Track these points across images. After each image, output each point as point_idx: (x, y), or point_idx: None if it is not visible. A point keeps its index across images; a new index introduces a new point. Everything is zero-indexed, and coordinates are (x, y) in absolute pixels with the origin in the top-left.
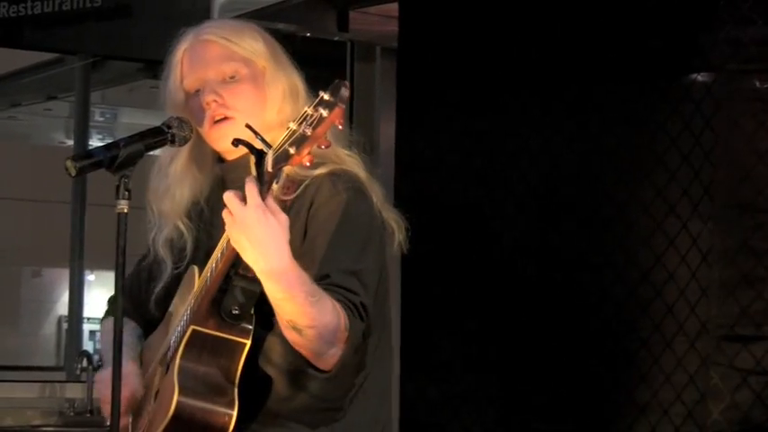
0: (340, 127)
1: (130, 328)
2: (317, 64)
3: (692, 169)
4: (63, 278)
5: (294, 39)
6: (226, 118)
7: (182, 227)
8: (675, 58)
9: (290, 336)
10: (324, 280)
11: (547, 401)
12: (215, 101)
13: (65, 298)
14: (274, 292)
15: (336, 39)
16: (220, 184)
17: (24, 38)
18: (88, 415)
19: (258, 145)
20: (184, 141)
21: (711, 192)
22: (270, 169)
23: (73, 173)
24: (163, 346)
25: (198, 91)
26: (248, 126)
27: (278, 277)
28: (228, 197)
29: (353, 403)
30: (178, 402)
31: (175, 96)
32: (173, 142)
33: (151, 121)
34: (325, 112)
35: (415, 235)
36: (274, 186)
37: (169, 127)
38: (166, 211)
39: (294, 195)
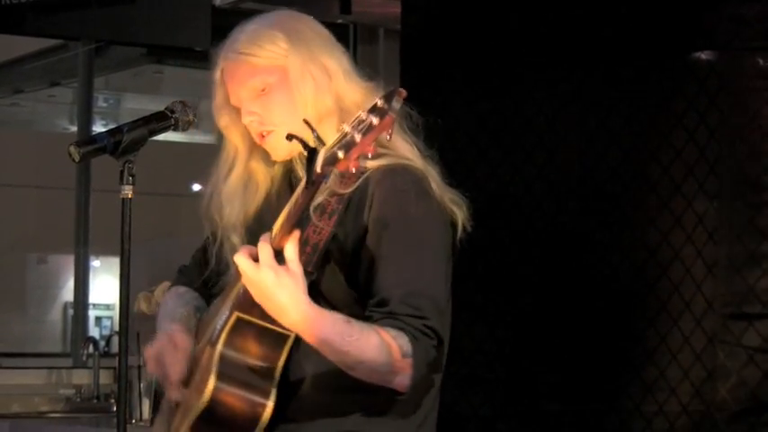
0: (388, 137)
1: (191, 298)
2: None
3: (697, 147)
4: (68, 265)
5: None
6: (268, 133)
7: (235, 242)
8: (680, 37)
9: (347, 372)
10: (383, 307)
11: (554, 381)
12: (252, 121)
13: (70, 284)
14: (309, 341)
15: (339, 21)
16: (288, 174)
17: (27, 24)
18: (95, 401)
19: (312, 142)
20: (188, 126)
21: (717, 170)
22: (318, 170)
23: (76, 159)
24: (212, 324)
25: (239, 109)
26: (305, 121)
27: (304, 329)
28: (240, 260)
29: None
30: (214, 388)
31: (228, 113)
32: (176, 127)
33: (155, 106)
34: (375, 120)
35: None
36: (323, 185)
37: (173, 112)
38: (234, 230)
39: (353, 188)
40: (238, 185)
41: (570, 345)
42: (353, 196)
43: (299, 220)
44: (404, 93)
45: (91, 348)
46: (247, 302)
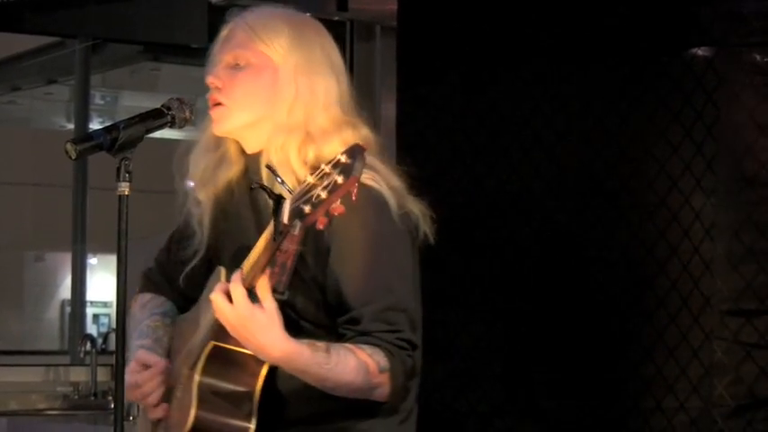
0: (353, 197)
1: (156, 305)
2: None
3: (694, 144)
4: (66, 262)
5: None
6: (220, 104)
7: (204, 202)
8: (676, 33)
9: (327, 392)
10: (356, 325)
11: (552, 378)
12: (214, 83)
13: (68, 282)
14: (288, 371)
15: (336, 18)
16: (245, 173)
17: (24, 21)
18: (92, 398)
19: (276, 189)
20: (185, 123)
21: (714, 166)
22: (285, 221)
23: (73, 156)
24: (191, 339)
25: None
26: (268, 166)
27: (285, 363)
28: (215, 299)
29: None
30: (196, 417)
31: (209, 66)
32: (173, 124)
33: (152, 103)
34: (340, 179)
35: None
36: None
37: (169, 109)
38: (202, 189)
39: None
40: (212, 152)
41: (568, 341)
42: None
43: (269, 262)
44: (365, 149)
45: (88, 346)
46: (222, 332)
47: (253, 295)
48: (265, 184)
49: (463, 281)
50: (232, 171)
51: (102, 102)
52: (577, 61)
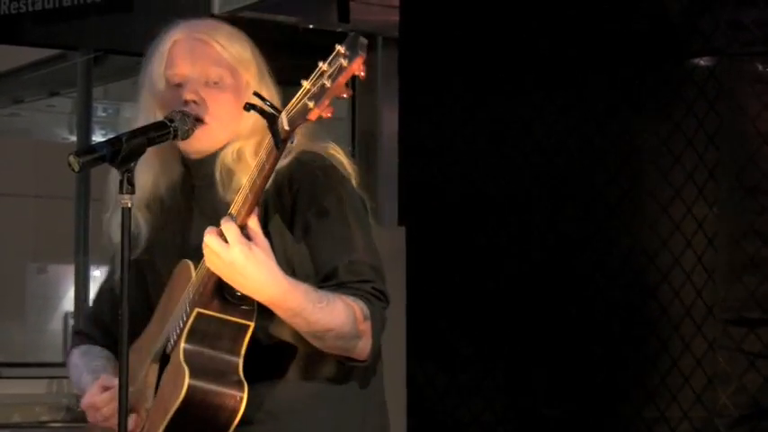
0: (362, 75)
1: (96, 352)
2: (319, 55)
3: (696, 153)
4: (68, 274)
5: (295, 30)
6: (202, 121)
7: (139, 217)
8: (677, 43)
9: (314, 343)
10: (331, 280)
11: (555, 387)
12: (194, 101)
13: (71, 294)
14: (282, 313)
15: (338, 30)
16: (186, 180)
17: (26, 34)
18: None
19: (268, 109)
20: (187, 135)
21: (716, 175)
22: (287, 127)
23: (77, 168)
24: (155, 342)
25: (179, 85)
26: (255, 94)
27: (281, 301)
28: (210, 241)
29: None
30: (189, 385)
31: (155, 82)
32: (175, 136)
33: None
34: (345, 62)
35: (419, 222)
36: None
37: (171, 120)
38: (143, 206)
39: (265, 188)
40: (155, 159)
41: (570, 351)
42: (270, 196)
43: (260, 195)
44: (363, 39)
45: None
46: (206, 297)
47: (244, 233)
48: (217, 179)
49: (465, 289)
50: (169, 178)
51: (104, 114)
52: (579, 70)
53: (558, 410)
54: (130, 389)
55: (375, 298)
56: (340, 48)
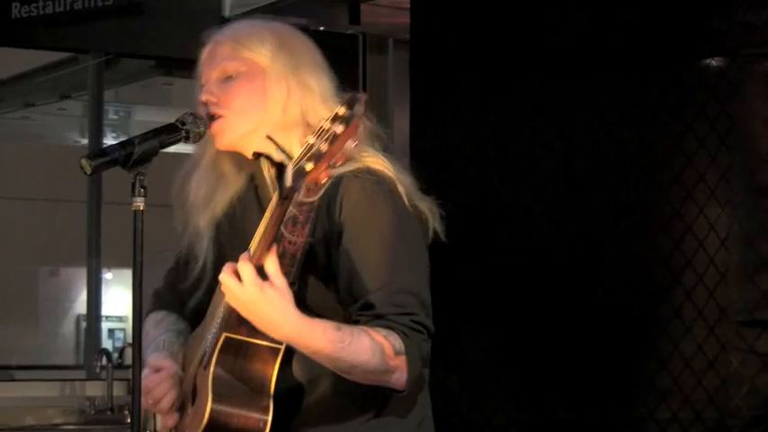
0: (355, 143)
1: (170, 322)
2: (330, 57)
3: (708, 154)
4: (80, 277)
5: (306, 32)
6: (218, 115)
7: (202, 229)
8: (689, 44)
9: (344, 376)
10: (369, 310)
11: (568, 390)
12: (209, 99)
13: (83, 297)
14: (302, 350)
15: (349, 32)
16: (252, 182)
17: (37, 38)
18: (109, 413)
19: (278, 157)
20: (199, 138)
21: (728, 176)
22: (289, 183)
23: (88, 171)
24: (202, 346)
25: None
26: (269, 137)
27: (297, 341)
28: (224, 279)
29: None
30: (212, 410)
31: (197, 87)
32: (187, 139)
33: (165, 117)
34: (339, 128)
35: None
36: (295, 198)
37: (183, 123)
38: (202, 215)
39: (318, 196)
40: (210, 174)
41: (583, 353)
42: (322, 202)
43: (276, 235)
44: (364, 96)
45: (104, 360)
46: (234, 321)
47: (262, 274)
48: (267, 180)
49: (477, 292)
50: (232, 190)
51: (115, 117)
52: (590, 72)
53: (571, 413)
54: (183, 383)
55: (413, 331)
56: (338, 109)
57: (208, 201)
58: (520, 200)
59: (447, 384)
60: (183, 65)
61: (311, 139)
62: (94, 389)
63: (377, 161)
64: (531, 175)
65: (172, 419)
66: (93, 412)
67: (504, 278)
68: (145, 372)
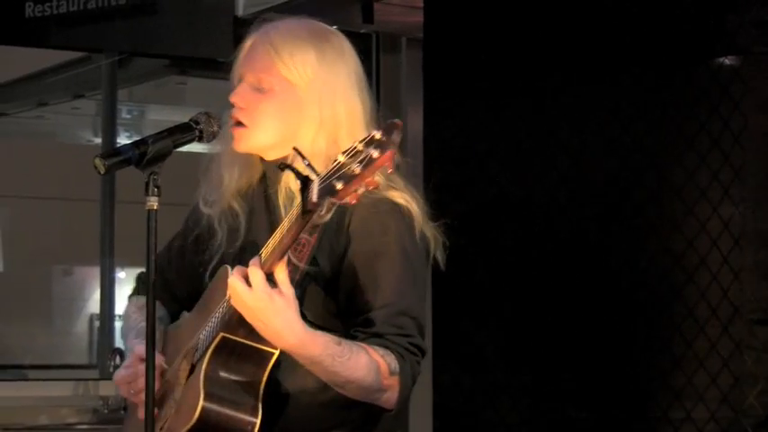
0: (389, 170)
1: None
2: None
3: (721, 153)
4: (94, 276)
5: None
6: (241, 124)
7: (236, 207)
8: (702, 42)
9: (336, 389)
10: (368, 327)
11: (582, 389)
12: (237, 104)
13: (96, 296)
14: (301, 361)
15: (362, 31)
16: (263, 178)
17: (50, 37)
18: (123, 412)
19: (304, 171)
20: (212, 137)
21: (742, 175)
22: (315, 200)
23: (102, 171)
24: (191, 339)
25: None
26: (295, 149)
27: (298, 350)
28: (233, 283)
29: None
30: (203, 408)
31: (232, 77)
32: (201, 138)
33: (179, 117)
34: (375, 153)
35: (444, 224)
36: (317, 215)
37: (197, 123)
38: (221, 189)
39: (324, 221)
40: (238, 153)
41: (596, 352)
42: (332, 220)
43: (290, 247)
44: (401, 125)
45: (117, 360)
46: (234, 322)
47: (270, 281)
48: (283, 188)
49: (491, 292)
50: (253, 176)
51: (128, 116)
52: (603, 71)
53: (584, 412)
54: (165, 374)
55: (409, 353)
56: (375, 133)
57: (235, 184)
58: (533, 198)
59: (460, 383)
60: (197, 64)
61: (341, 158)
62: (108, 388)
63: (396, 188)
64: (544, 174)
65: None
66: (106, 412)
67: (517, 277)
68: (129, 360)
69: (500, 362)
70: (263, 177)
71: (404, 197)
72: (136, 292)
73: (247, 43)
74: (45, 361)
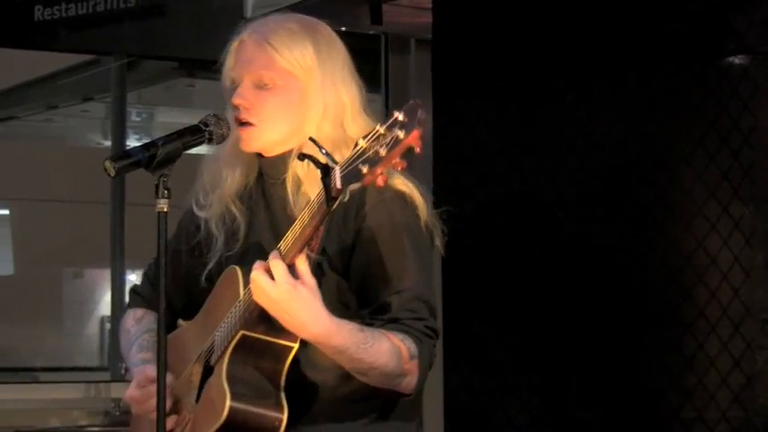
0: (417, 149)
1: (150, 321)
2: (352, 58)
3: (731, 152)
4: (104, 279)
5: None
6: (249, 123)
7: (234, 210)
8: (711, 42)
9: (358, 377)
10: (384, 314)
11: (592, 389)
12: (242, 104)
13: (107, 298)
14: (326, 350)
15: (371, 32)
16: (260, 178)
17: (59, 40)
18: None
19: (323, 159)
20: (222, 139)
21: (752, 174)
22: (339, 186)
23: (112, 173)
24: (199, 344)
25: (236, 87)
26: (311, 139)
27: (325, 340)
28: (256, 277)
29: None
30: (230, 408)
31: (224, 80)
32: (210, 140)
33: (188, 119)
34: (401, 134)
35: (454, 226)
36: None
37: (206, 125)
38: (217, 192)
39: (332, 208)
40: (238, 153)
41: (606, 352)
42: (339, 210)
43: (312, 236)
44: (420, 104)
45: None
46: (254, 319)
47: (292, 271)
48: (291, 177)
49: (500, 293)
50: (250, 175)
51: (137, 118)
52: (612, 71)
53: (595, 412)
54: (172, 383)
55: (426, 336)
56: (398, 115)
57: (235, 185)
58: (542, 198)
59: (470, 384)
60: (206, 66)
61: (362, 143)
62: (119, 390)
63: (399, 177)
64: (553, 174)
65: (168, 425)
66: (117, 414)
67: (526, 277)
68: (139, 379)
69: (510, 362)
70: (260, 176)
71: (407, 185)
72: (132, 304)
73: (234, 44)
74: (56, 363)
